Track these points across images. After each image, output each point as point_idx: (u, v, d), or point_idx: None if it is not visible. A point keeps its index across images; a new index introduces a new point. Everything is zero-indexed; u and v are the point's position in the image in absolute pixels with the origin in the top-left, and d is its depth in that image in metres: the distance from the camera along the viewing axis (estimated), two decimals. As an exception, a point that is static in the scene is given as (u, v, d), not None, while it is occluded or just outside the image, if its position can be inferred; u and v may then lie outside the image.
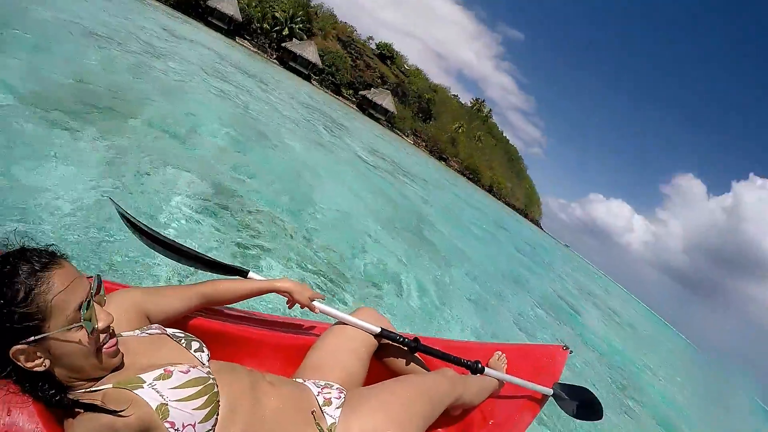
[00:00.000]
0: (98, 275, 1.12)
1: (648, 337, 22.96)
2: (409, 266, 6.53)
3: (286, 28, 54.81)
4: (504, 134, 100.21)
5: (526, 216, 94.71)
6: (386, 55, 69.89)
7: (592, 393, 2.67)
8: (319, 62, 55.74)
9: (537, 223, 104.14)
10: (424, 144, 70.32)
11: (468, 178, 74.34)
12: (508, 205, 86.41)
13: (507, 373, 2.37)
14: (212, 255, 2.31)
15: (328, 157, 12.42)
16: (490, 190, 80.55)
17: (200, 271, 1.83)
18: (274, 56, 54.23)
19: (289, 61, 53.64)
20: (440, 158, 71.63)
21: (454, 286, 7.30)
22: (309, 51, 54.75)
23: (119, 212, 1.79)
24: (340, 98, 58.26)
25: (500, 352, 2.53)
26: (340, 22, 66.99)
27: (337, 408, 1.39)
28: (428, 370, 1.99)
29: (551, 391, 2.42)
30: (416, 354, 1.97)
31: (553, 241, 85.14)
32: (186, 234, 3.79)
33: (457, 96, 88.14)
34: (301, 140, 11.95)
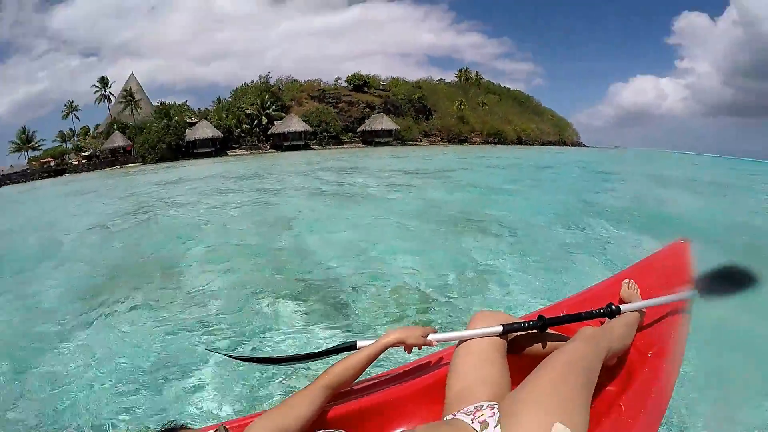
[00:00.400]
0: (221, 425, 1.28)
1: (734, 181, 21.92)
2: (490, 257, 6.49)
3: (263, 117, 56.93)
4: (503, 86, 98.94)
5: (564, 143, 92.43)
6: (360, 84, 70.91)
7: (733, 265, 2.51)
8: (308, 127, 57.26)
9: (578, 144, 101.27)
10: (439, 138, 70.40)
11: (495, 144, 73.62)
12: (545, 144, 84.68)
13: (642, 297, 2.34)
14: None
15: (366, 203, 12.62)
16: (520, 142, 79.33)
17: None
18: (268, 147, 56.25)
19: (282, 142, 55.52)
20: (460, 141, 71.38)
21: (541, 247, 7.28)
22: (294, 123, 56.55)
23: (228, 356, 2.06)
24: (345, 146, 59.75)
25: (627, 280, 2.45)
26: (305, 82, 69.01)
27: (496, 426, 1.36)
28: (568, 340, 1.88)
29: (694, 292, 2.34)
30: (548, 330, 1.88)
31: (602, 150, 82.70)
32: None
33: (442, 79, 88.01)
34: (328, 204, 12.41)
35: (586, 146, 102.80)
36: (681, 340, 2.15)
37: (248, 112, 57.21)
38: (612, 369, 2.02)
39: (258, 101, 58.23)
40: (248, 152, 53.95)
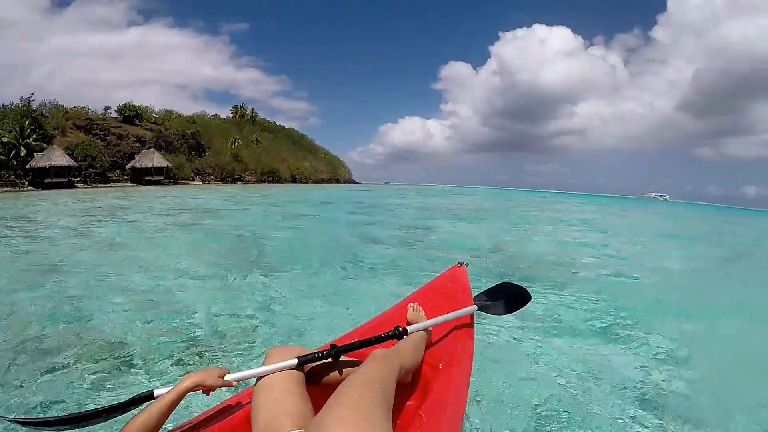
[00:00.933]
0: None
1: (488, 207, 24.40)
2: (273, 294, 6.26)
3: (22, 148, 47.44)
4: (278, 123, 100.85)
5: (338, 181, 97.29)
6: (131, 115, 65.07)
7: (509, 283, 2.95)
8: (72, 162, 48.90)
9: (351, 181, 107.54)
10: (212, 177, 68.15)
11: (269, 182, 74.02)
12: (318, 182, 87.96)
13: (427, 317, 2.52)
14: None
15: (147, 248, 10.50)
16: (294, 180, 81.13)
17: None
18: (26, 184, 46.92)
19: (44, 179, 46.74)
20: (234, 180, 70.11)
21: (323, 280, 7.22)
22: (57, 156, 47.73)
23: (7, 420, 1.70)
24: (112, 185, 52.64)
25: (412, 303, 2.66)
26: (71, 108, 60.52)
27: None
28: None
29: (474, 306, 2.62)
30: (342, 358, 1.95)
31: (373, 186, 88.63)
32: None
33: (217, 115, 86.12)
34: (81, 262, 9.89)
35: (358, 183, 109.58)
36: (468, 350, 2.38)
37: (4, 140, 46.06)
38: (409, 385, 2.17)
39: (17, 128, 47.80)
40: (3, 190, 42.20)
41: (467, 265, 3.09)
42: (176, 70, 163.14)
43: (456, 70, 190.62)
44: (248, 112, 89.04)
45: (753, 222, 36.36)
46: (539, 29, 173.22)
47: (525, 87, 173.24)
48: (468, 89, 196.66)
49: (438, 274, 3.12)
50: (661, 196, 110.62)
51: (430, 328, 2.42)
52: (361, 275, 7.71)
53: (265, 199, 30.26)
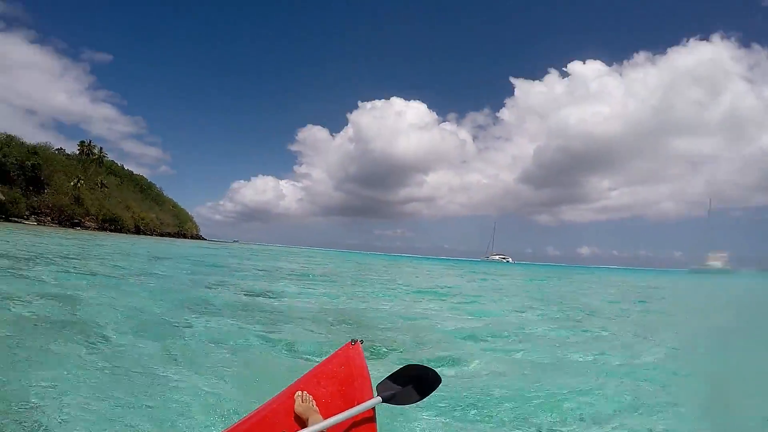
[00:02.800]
0: None
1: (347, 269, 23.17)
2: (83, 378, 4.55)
3: None
4: (126, 168, 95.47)
5: (184, 236, 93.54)
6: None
7: (414, 365, 2.60)
8: None
9: (198, 237, 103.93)
10: (49, 219, 62.28)
11: (111, 230, 69.29)
12: (163, 235, 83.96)
13: (320, 408, 2.20)
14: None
15: None
16: (138, 231, 76.77)
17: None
18: None
19: None
20: (73, 225, 64.62)
21: (151, 360, 5.49)
22: None
23: None
24: None
25: (300, 392, 2.28)
26: None
27: None
28: None
29: (379, 399, 2.27)
30: None
31: (220, 244, 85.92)
32: None
33: (62, 149, 79.22)
34: None
35: (205, 239, 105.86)
36: None
37: None
38: None
39: None
40: None
41: (362, 341, 2.75)
42: (27, 92, 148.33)
43: (313, 133, 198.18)
44: (96, 151, 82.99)
45: (581, 277, 43.80)
46: (397, 102, 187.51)
47: (379, 155, 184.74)
48: (324, 153, 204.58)
49: (329, 355, 2.74)
50: (504, 258, 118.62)
51: (326, 430, 1.98)
52: (186, 360, 5.70)
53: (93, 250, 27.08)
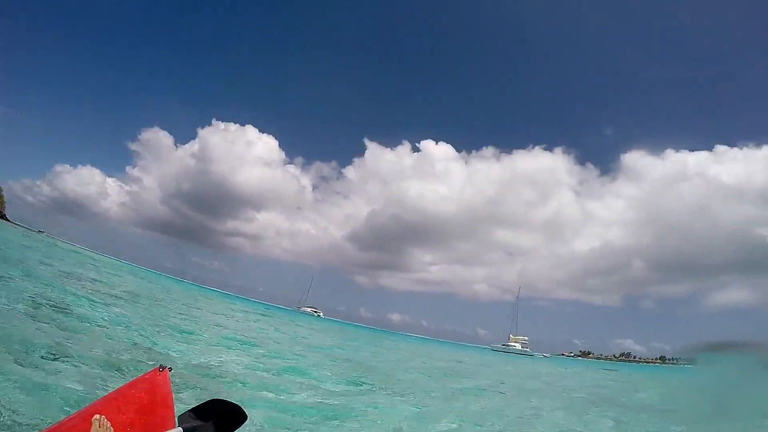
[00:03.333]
0: None
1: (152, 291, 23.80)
2: None
3: None
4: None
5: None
6: None
7: (221, 400, 2.48)
8: None
9: (2, 216, 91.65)
10: None
11: None
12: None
13: None
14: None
15: None
16: None
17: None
18: None
19: None
20: None
21: None
22: None
23: None
24: None
25: (98, 416, 2.04)
26: None
27: None
28: None
29: (180, 430, 2.16)
30: None
31: (23, 230, 76.66)
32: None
33: None
34: None
35: (9, 221, 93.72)
36: None
37: None
38: None
39: None
40: None
41: (171, 369, 2.57)
42: None
43: (158, 138, 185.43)
44: None
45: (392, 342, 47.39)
46: (250, 131, 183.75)
47: (217, 179, 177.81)
48: (162, 162, 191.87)
49: (132, 379, 2.55)
50: (316, 312, 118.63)
51: None
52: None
53: None
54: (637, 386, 26.74)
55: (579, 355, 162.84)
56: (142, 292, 26.74)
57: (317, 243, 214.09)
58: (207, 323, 21.11)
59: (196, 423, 2.27)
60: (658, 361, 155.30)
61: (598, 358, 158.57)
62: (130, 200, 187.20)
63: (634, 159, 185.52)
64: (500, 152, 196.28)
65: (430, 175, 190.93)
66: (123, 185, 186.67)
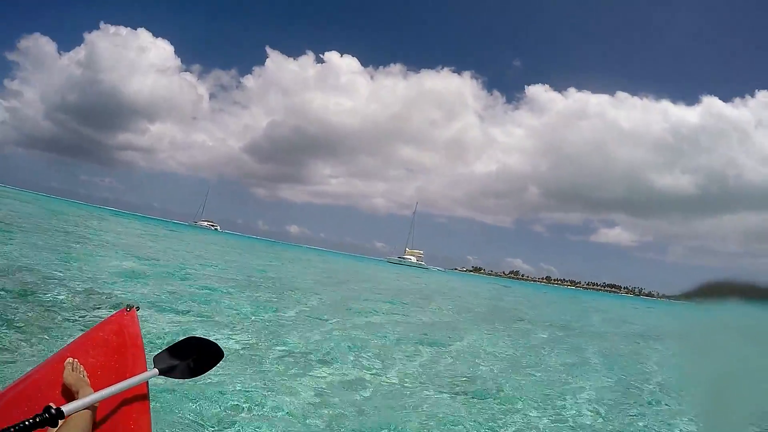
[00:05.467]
0: None
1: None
2: None
3: None
4: None
5: None
6: None
7: (196, 337, 2.47)
8: None
9: None
10: None
11: None
12: None
13: (90, 379, 1.98)
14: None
15: None
16: None
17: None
18: None
19: None
20: None
21: None
22: None
23: None
24: None
25: (71, 359, 2.01)
26: None
27: None
28: None
29: (154, 371, 2.14)
30: None
31: None
32: None
33: None
34: None
35: None
36: (144, 428, 1.96)
37: None
38: None
39: None
40: None
41: (138, 308, 2.52)
42: None
43: (39, 45, 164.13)
44: None
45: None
46: (144, 36, 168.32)
47: (107, 89, 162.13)
48: (45, 72, 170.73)
49: (101, 320, 2.51)
50: (213, 225, 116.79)
51: (97, 404, 1.80)
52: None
53: None
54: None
55: (471, 270, 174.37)
56: (20, 221, 21.26)
57: (214, 155, 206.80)
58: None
59: (173, 362, 2.27)
60: (545, 280, 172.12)
61: (489, 274, 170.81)
62: (10, 118, 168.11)
63: (539, 92, 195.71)
64: (408, 70, 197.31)
65: (334, 87, 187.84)
66: (1, 101, 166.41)
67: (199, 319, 7.78)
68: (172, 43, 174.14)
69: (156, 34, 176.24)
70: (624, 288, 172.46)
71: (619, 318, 25.95)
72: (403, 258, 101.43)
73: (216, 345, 2.37)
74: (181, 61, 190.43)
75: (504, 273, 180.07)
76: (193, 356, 2.29)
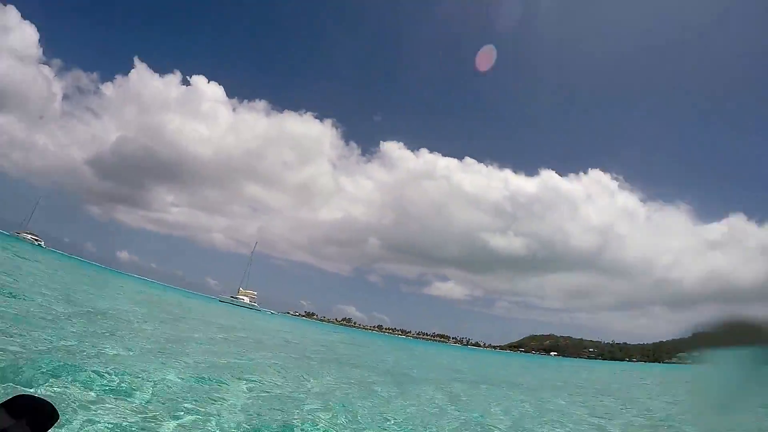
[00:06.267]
0: None
1: None
2: None
3: None
4: None
5: None
6: None
7: (29, 396, 1.96)
8: None
9: None
10: None
11: None
12: None
13: None
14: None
15: None
16: None
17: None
18: None
19: None
20: None
21: None
22: None
23: None
24: None
25: None
26: None
27: None
28: None
29: None
30: None
31: None
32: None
33: None
34: None
35: None
36: None
37: None
38: None
39: None
40: None
41: None
42: None
43: None
44: None
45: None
46: (11, 13, 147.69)
47: None
48: None
49: None
50: (37, 240, 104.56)
51: None
52: None
53: None
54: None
55: (304, 315, 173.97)
56: None
57: (53, 162, 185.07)
58: None
59: (6, 424, 1.70)
60: (376, 328, 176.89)
61: (321, 320, 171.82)
62: None
63: (393, 148, 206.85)
64: (272, 108, 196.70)
65: (194, 113, 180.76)
66: None
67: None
68: (39, 30, 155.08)
69: (25, 16, 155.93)
70: (452, 338, 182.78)
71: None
72: (236, 298, 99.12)
73: (50, 404, 1.88)
74: (43, 52, 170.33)
75: (336, 320, 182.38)
76: (27, 417, 1.76)
